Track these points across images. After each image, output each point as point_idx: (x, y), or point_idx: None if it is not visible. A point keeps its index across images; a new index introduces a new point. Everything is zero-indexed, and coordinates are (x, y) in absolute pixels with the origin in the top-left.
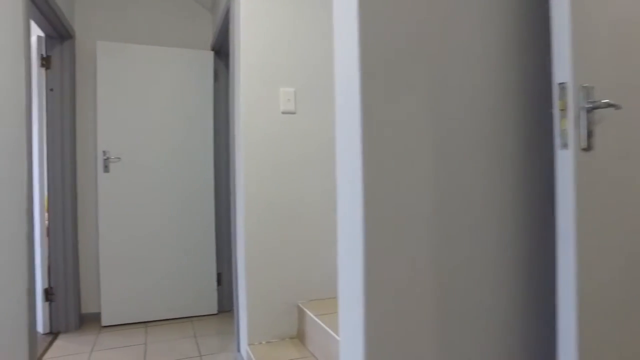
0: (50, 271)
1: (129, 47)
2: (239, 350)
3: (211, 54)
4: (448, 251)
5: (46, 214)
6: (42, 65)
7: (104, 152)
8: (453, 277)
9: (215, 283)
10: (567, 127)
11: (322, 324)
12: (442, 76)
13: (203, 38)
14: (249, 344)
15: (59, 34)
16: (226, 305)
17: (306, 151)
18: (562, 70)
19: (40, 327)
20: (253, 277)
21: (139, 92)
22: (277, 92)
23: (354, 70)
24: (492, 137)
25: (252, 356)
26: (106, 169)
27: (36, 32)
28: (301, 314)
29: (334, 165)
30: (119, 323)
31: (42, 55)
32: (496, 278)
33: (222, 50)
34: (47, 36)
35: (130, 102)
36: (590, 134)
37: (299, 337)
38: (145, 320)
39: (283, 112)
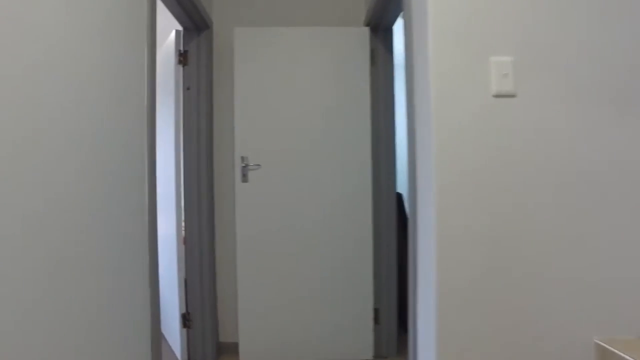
0: (187, 295)
1: (269, 30)
2: None
3: (366, 30)
4: None
5: (183, 224)
6: (180, 62)
7: (242, 159)
8: None
9: (371, 321)
10: None
11: None
12: None
13: (354, 12)
14: None
15: (195, 25)
16: (385, 350)
17: (535, 155)
18: None
19: (179, 355)
20: (448, 330)
21: (281, 83)
22: (486, 63)
23: None
24: None
25: None
26: (244, 178)
27: (174, 26)
28: None
29: (585, 179)
30: None
31: (179, 50)
32: None
33: (379, 25)
34: (184, 29)
35: (272, 97)
36: None
37: None
38: None
39: (496, 95)
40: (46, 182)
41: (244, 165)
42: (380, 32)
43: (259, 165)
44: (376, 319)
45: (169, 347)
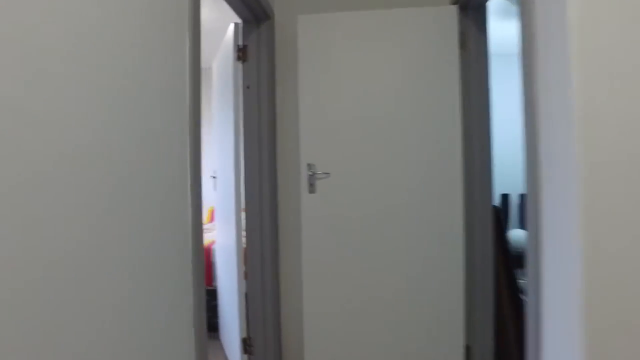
0: (248, 315)
1: (337, 17)
2: None
3: (454, 9)
4: None
5: (243, 233)
6: (239, 58)
7: (309, 166)
8: None
9: None
10: None
11: None
12: None
13: None
14: None
15: (255, 17)
16: None
17: None
18: None
19: None
20: None
21: (352, 78)
22: None
23: None
24: None
25: None
26: (311, 188)
27: (233, 20)
28: None
29: None
30: None
31: (238, 45)
32: None
33: (469, 3)
34: (243, 21)
35: (342, 94)
36: None
37: None
38: None
39: None
40: (56, 187)
41: (311, 173)
42: (471, 10)
43: (328, 173)
44: (468, 358)
45: None
